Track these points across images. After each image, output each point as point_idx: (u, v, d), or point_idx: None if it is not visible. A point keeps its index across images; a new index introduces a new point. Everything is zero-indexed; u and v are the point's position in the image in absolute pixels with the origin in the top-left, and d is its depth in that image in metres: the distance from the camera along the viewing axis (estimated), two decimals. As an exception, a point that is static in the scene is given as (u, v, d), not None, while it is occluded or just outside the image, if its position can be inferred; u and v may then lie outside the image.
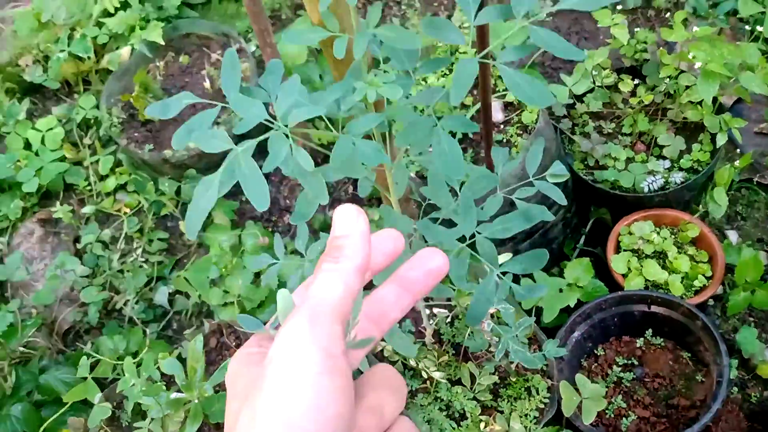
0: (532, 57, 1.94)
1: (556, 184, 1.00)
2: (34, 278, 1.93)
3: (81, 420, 1.35)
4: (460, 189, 0.96)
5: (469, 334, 1.38)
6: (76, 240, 1.97)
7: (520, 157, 1.45)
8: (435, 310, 1.36)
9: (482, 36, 1.01)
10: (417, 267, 0.42)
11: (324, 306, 0.35)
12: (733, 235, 1.79)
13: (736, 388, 1.60)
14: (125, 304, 1.85)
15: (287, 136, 0.64)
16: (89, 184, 2.02)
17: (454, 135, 1.58)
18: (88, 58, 2.14)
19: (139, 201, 1.94)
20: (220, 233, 1.82)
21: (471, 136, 1.53)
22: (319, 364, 0.33)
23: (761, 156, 1.86)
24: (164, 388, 1.29)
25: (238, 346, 1.41)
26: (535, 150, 1.02)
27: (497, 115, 1.52)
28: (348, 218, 0.39)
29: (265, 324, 0.42)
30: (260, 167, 0.62)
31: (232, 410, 0.36)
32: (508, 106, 1.54)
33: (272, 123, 0.66)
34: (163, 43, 2.01)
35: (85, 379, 1.38)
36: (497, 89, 1.54)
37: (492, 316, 1.35)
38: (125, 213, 1.95)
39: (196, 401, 1.19)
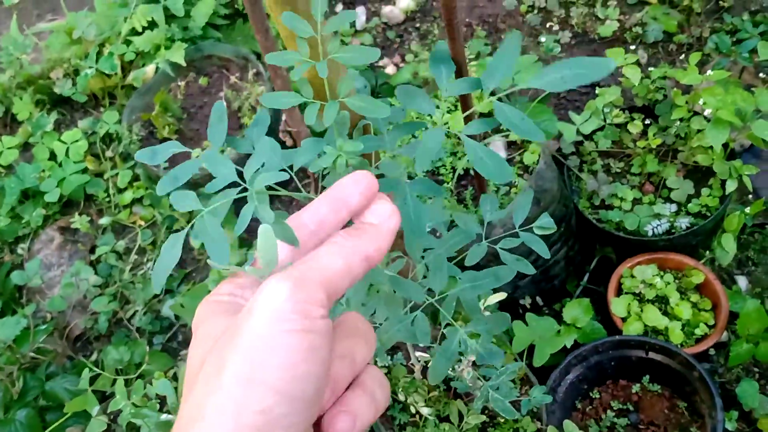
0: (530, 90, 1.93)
1: (542, 236, 1.01)
2: (51, 284, 2.01)
3: (79, 430, 1.40)
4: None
5: (454, 374, 1.39)
6: (93, 249, 2.04)
7: (509, 207, 1.45)
8: (417, 354, 1.37)
9: (465, 100, 1.02)
10: (350, 187, 0.42)
11: (315, 273, 0.35)
12: (742, 281, 1.75)
13: (735, 441, 1.56)
14: (134, 314, 1.91)
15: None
16: (108, 196, 2.09)
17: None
18: (115, 74, 2.23)
19: (154, 215, 2.00)
20: (229, 251, 1.86)
21: (472, 174, 1.54)
22: (294, 322, 0.32)
23: (777, 201, 1.81)
24: (157, 407, 1.33)
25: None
26: (523, 202, 1.02)
27: (500, 153, 1.52)
28: (383, 210, 0.40)
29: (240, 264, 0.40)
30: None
31: (195, 355, 0.36)
32: (511, 145, 1.54)
33: (243, 183, 0.69)
34: (184, 63, 2.07)
35: (86, 390, 1.44)
36: (501, 129, 1.55)
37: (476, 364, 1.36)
38: (140, 225, 2.01)
39: (185, 424, 1.22)
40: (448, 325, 0.79)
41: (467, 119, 1.18)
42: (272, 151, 0.77)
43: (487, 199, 1.05)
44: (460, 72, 1.12)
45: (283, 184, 0.75)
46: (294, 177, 0.81)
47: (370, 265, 0.37)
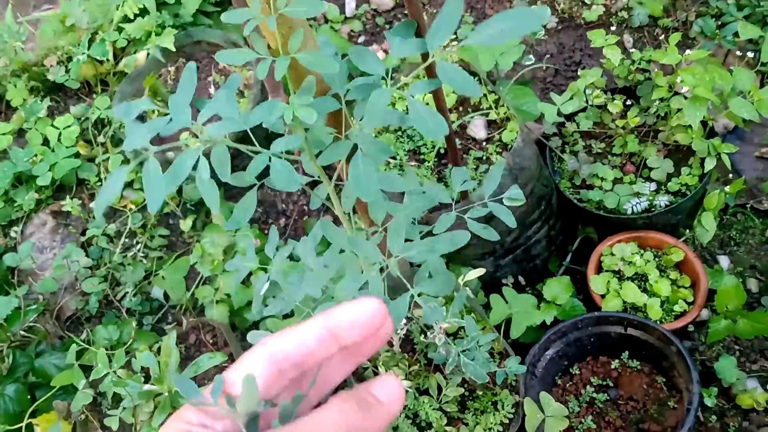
0: (518, 72, 1.95)
1: (510, 206, 1.03)
2: (43, 267, 2.04)
3: (65, 404, 1.43)
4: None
5: (432, 345, 1.41)
6: (84, 232, 2.07)
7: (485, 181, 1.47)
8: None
9: (426, 59, 1.05)
10: (346, 319, 0.37)
11: None
12: (724, 261, 1.76)
13: (714, 417, 1.58)
14: (124, 296, 1.94)
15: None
16: (99, 180, 2.12)
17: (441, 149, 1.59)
18: (107, 60, 2.25)
19: (144, 199, 2.03)
20: (216, 233, 1.88)
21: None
22: None
23: (759, 181, 1.83)
24: (142, 379, 1.36)
25: (214, 344, 1.47)
26: (494, 173, 1.04)
27: (480, 132, 1.54)
28: (393, 391, 0.36)
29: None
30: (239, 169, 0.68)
31: None
32: (491, 124, 1.56)
33: (197, 133, 0.71)
34: (174, 49, 2.09)
35: (73, 365, 1.46)
36: (481, 107, 1.57)
37: (455, 334, 1.38)
38: (130, 209, 2.04)
39: (166, 394, 1.25)
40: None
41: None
42: (228, 103, 0.79)
43: (458, 172, 1.08)
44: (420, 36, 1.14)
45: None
46: (252, 136, 0.83)
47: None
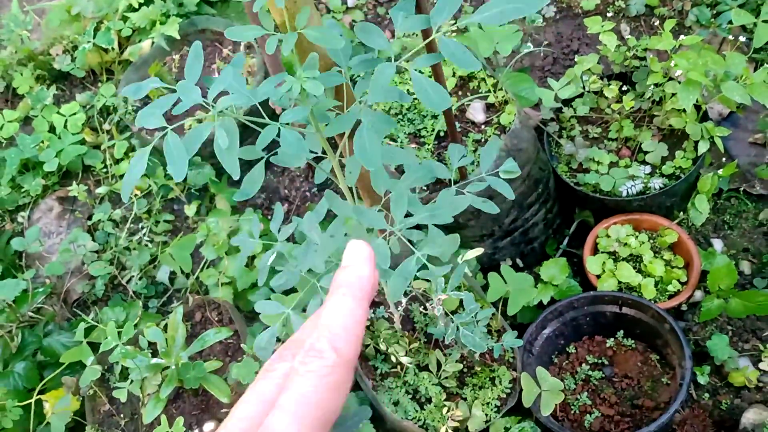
0: (514, 58, 1.98)
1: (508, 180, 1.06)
2: (50, 251, 2.08)
3: (74, 379, 1.47)
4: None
5: (431, 321, 1.45)
6: (90, 218, 2.11)
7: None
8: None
9: (430, 47, 1.08)
10: (350, 272, 0.40)
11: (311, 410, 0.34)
12: (718, 244, 1.80)
13: (707, 395, 1.61)
14: (130, 279, 1.97)
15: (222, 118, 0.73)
16: (105, 167, 2.16)
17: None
18: (112, 49, 2.29)
19: (149, 184, 2.07)
20: (221, 218, 1.92)
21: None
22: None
23: (752, 165, 1.86)
24: (149, 354, 1.39)
25: (219, 321, 1.51)
26: (490, 149, 1.08)
27: (478, 115, 1.57)
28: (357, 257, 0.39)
29: None
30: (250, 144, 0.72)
31: None
32: (490, 108, 1.60)
33: (210, 107, 0.75)
34: (179, 37, 2.13)
35: (81, 343, 1.50)
36: (480, 91, 1.60)
37: (454, 312, 1.42)
38: (136, 195, 2.08)
39: (173, 367, 1.29)
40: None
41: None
42: (235, 79, 0.83)
43: (455, 147, 1.11)
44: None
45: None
46: (261, 110, 0.87)
47: (371, 298, 0.39)
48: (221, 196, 2.01)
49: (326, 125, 0.84)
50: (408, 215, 0.92)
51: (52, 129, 2.21)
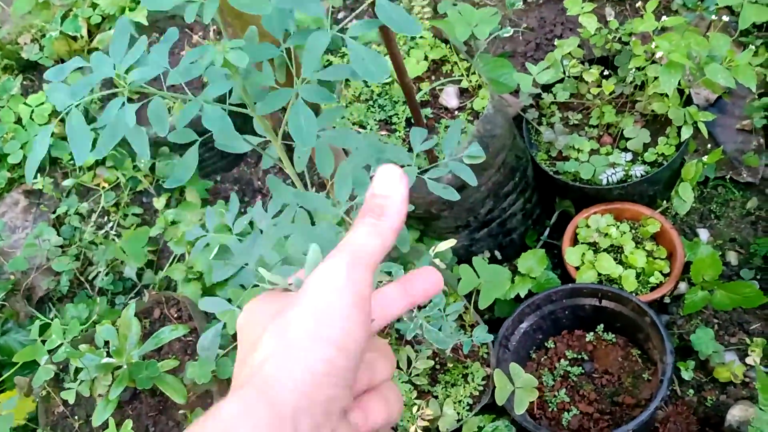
0: (499, 45, 1.90)
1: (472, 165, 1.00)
2: (15, 246, 2.01)
3: (26, 379, 1.40)
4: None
5: (401, 317, 1.38)
6: (56, 211, 2.04)
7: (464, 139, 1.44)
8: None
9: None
10: (420, 278, 0.46)
11: (363, 254, 0.39)
12: (704, 234, 1.73)
13: (692, 391, 1.55)
14: (96, 275, 1.91)
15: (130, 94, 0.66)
16: (72, 159, 2.08)
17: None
18: (81, 37, 2.21)
19: (117, 177, 2.00)
20: (190, 211, 1.85)
21: (425, 121, 1.52)
22: (351, 297, 0.37)
23: (740, 153, 1.80)
24: (104, 353, 1.33)
25: (178, 318, 1.44)
26: (453, 132, 1.01)
27: (452, 101, 1.50)
28: (391, 180, 0.42)
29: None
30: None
31: (250, 333, 0.40)
32: (464, 93, 1.53)
33: (121, 83, 0.68)
34: (147, 23, 2.05)
35: (36, 341, 1.43)
36: (453, 74, 1.53)
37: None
38: (103, 188, 2.01)
39: (125, 366, 1.22)
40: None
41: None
42: (158, 54, 0.76)
43: (417, 131, 1.04)
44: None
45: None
46: (185, 87, 0.80)
47: (397, 233, 0.42)
48: (191, 188, 1.93)
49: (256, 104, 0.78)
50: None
51: (18, 120, 2.13)
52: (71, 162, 2.09)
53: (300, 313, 0.37)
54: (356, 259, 0.39)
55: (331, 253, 0.40)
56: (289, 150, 0.93)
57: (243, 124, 0.84)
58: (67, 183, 2.01)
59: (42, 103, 2.12)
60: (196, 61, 0.74)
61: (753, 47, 1.49)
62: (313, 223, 0.92)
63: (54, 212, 2.02)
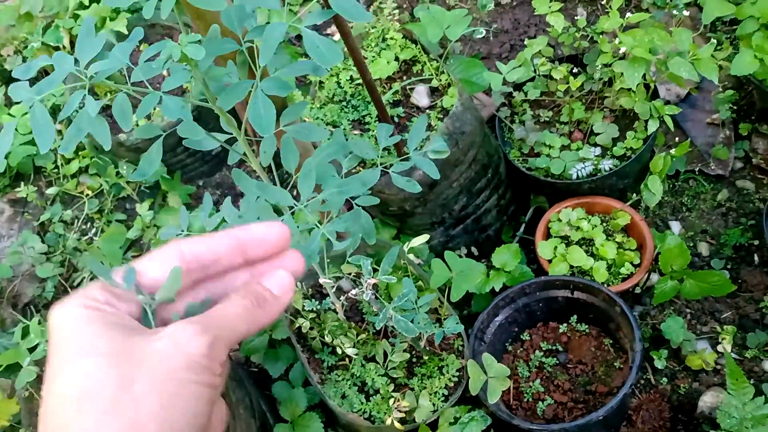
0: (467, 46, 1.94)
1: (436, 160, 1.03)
2: (0, 255, 2.03)
3: (9, 381, 1.42)
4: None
5: (370, 311, 1.41)
6: (39, 219, 2.06)
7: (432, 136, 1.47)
8: (340, 283, 1.39)
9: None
10: (255, 234, 0.44)
11: (225, 333, 0.39)
12: (676, 227, 1.77)
13: (665, 379, 1.58)
14: (81, 281, 1.93)
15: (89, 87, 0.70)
16: (56, 167, 2.11)
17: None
18: (63, 47, 2.24)
19: (101, 184, 2.02)
20: (172, 215, 1.88)
21: (398, 120, 1.56)
22: (205, 376, 0.37)
23: (710, 146, 1.84)
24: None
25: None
26: (418, 126, 1.04)
27: (423, 100, 1.54)
28: (284, 284, 0.43)
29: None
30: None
31: (71, 361, 0.35)
32: (435, 92, 1.56)
33: (82, 77, 0.72)
34: (127, 32, 2.09)
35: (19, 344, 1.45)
36: (423, 73, 1.57)
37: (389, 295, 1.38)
38: (87, 195, 2.03)
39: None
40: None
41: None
42: (120, 52, 0.79)
43: (382, 127, 1.08)
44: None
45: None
46: (149, 86, 0.83)
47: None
48: (173, 194, 1.96)
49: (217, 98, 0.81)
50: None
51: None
52: (55, 170, 2.12)
53: (146, 386, 0.35)
54: (218, 338, 0.38)
55: (194, 319, 0.38)
56: (257, 145, 0.96)
57: (216, 126, 0.88)
58: (51, 191, 2.04)
59: (25, 113, 2.15)
60: (155, 58, 0.78)
61: (714, 41, 1.54)
62: (280, 214, 0.95)
63: (38, 220, 2.05)
